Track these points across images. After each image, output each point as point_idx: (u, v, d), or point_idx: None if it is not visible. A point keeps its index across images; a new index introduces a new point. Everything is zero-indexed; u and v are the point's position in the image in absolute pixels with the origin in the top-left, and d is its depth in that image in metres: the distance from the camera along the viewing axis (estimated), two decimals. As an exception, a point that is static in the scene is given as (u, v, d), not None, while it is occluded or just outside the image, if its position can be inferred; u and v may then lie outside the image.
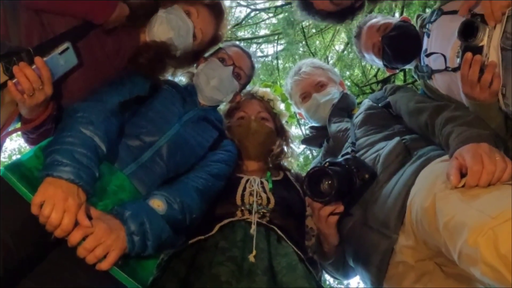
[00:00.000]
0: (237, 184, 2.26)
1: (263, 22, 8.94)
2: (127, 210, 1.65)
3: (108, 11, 1.94)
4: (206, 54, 2.47)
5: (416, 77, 2.45)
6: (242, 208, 2.16)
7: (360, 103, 2.65)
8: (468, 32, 1.79)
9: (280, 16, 7.63)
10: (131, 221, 1.62)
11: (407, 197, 1.76)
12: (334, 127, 2.45)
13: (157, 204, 1.75)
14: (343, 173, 1.91)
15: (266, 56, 8.59)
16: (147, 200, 1.75)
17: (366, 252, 1.89)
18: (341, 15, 2.40)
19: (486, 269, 1.29)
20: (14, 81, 1.64)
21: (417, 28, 2.37)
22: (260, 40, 8.61)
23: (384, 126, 2.22)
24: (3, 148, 1.95)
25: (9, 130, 1.88)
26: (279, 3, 8.00)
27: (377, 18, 2.60)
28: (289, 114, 2.92)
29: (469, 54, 1.78)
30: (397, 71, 3.13)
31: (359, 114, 2.40)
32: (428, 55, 2.15)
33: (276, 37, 8.02)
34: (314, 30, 7.82)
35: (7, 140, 1.93)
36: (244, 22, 8.50)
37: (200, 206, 1.92)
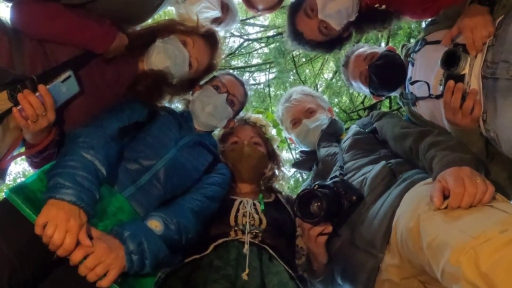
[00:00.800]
0: (231, 206, 2.29)
1: (255, 52, 9.03)
2: (126, 231, 1.68)
3: (108, 41, 2.02)
4: (202, 82, 2.52)
5: (401, 104, 2.49)
6: (236, 228, 2.21)
7: (348, 128, 2.67)
8: (451, 61, 1.85)
9: (272, 46, 7.73)
10: (130, 241, 1.65)
11: (393, 218, 1.78)
12: (323, 152, 2.49)
13: (155, 224, 1.78)
14: (332, 195, 1.96)
15: (259, 83, 8.69)
16: (145, 221, 1.79)
17: (353, 270, 1.91)
18: (330, 45, 2.50)
19: (468, 286, 1.31)
20: (18, 107, 1.68)
21: (402, 57, 2.42)
22: (253, 69, 8.72)
23: (371, 150, 2.26)
24: (8, 171, 1.98)
25: (14, 154, 1.90)
26: (271, 33, 8.11)
27: (364, 48, 2.64)
28: (280, 139, 2.94)
29: (451, 82, 1.83)
30: (383, 98, 3.16)
31: (347, 139, 2.44)
32: (412, 83, 2.20)
33: (268, 66, 8.13)
34: (304, 59, 7.92)
35: (12, 163, 1.95)
36: (237, 51, 8.59)
37: (195, 227, 1.95)
